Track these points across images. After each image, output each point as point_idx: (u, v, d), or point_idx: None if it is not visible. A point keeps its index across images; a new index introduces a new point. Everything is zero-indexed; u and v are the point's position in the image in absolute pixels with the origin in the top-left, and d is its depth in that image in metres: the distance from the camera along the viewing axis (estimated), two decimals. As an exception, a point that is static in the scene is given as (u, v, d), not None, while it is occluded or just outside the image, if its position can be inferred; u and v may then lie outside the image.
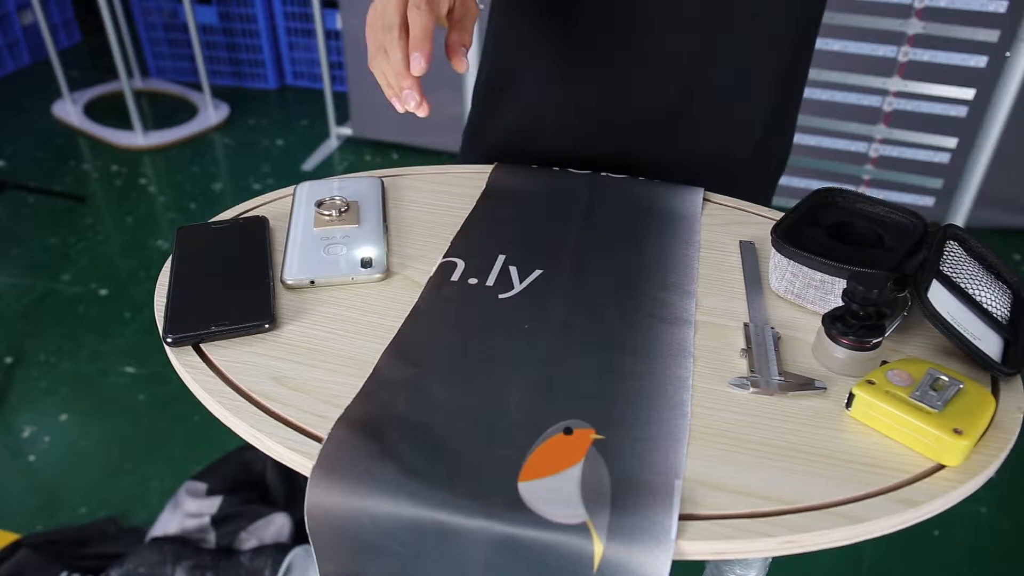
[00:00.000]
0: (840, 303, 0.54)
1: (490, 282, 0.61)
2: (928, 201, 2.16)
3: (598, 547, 0.42)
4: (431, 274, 0.63)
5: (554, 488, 0.45)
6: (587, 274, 0.63)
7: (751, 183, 0.83)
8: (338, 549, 0.45)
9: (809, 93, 2.03)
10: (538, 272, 0.63)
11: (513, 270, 0.63)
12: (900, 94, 1.99)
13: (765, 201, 0.85)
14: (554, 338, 0.56)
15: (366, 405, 0.50)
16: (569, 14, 0.74)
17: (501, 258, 0.64)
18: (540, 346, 0.55)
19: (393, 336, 0.56)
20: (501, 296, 0.60)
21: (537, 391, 0.51)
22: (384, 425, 0.48)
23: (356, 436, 0.47)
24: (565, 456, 0.47)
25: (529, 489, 0.44)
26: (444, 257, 0.64)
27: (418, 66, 0.56)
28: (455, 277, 0.62)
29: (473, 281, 0.61)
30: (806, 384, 0.53)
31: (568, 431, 0.48)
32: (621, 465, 0.46)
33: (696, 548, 0.43)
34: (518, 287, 0.61)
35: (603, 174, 0.76)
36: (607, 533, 0.42)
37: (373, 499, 0.44)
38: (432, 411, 0.50)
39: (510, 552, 0.43)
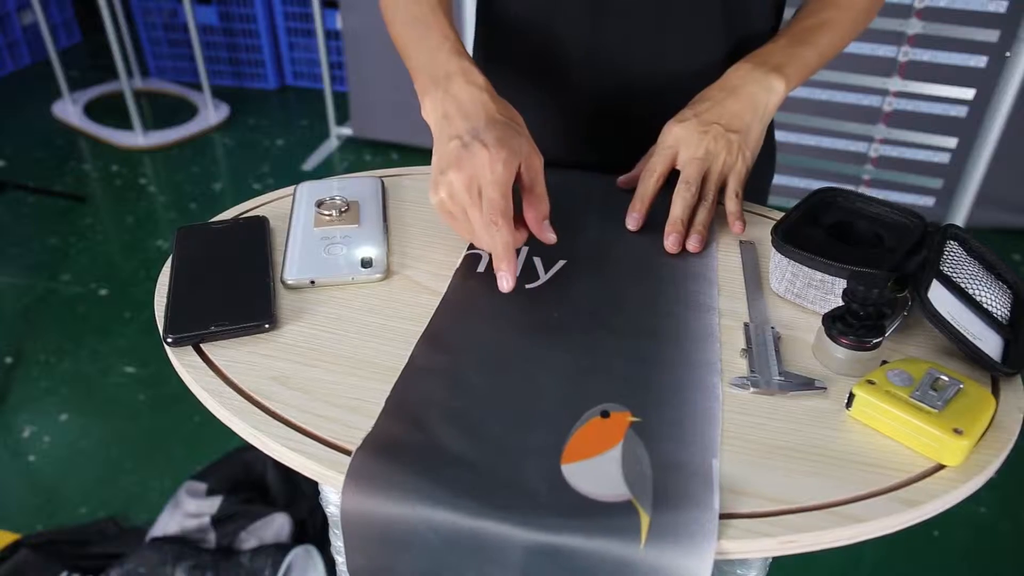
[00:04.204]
0: (840, 303, 0.54)
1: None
2: (928, 201, 2.16)
3: (644, 520, 0.43)
4: (456, 266, 0.63)
5: (596, 469, 0.46)
6: (610, 263, 0.64)
7: (749, 184, 0.84)
8: (368, 541, 0.46)
9: (809, 93, 2.03)
10: (562, 263, 0.64)
11: (537, 261, 0.64)
12: (900, 94, 1.99)
13: (762, 201, 0.85)
14: (583, 326, 0.57)
15: (404, 395, 0.51)
16: (561, 62, 0.76)
17: (524, 249, 0.65)
18: (570, 334, 0.57)
19: (424, 328, 0.57)
20: (528, 286, 0.61)
21: (570, 378, 0.53)
22: (423, 414, 0.49)
23: (397, 426, 0.48)
24: (604, 438, 0.48)
25: (572, 471, 0.46)
26: (468, 249, 0.65)
27: (506, 286, 0.59)
28: (481, 268, 0.63)
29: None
30: (806, 384, 0.53)
31: (605, 414, 0.50)
32: (659, 447, 0.47)
33: (696, 548, 0.43)
34: (544, 277, 0.62)
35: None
36: (652, 509, 0.43)
37: (414, 497, 0.44)
38: (470, 398, 0.51)
39: (554, 534, 0.43)
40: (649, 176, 0.68)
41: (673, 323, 0.58)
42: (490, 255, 0.64)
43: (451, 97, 0.60)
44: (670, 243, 0.66)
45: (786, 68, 0.69)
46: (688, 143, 0.67)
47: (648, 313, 0.59)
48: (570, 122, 0.80)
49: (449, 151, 0.58)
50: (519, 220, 0.61)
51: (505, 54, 0.80)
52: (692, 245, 0.66)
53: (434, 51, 0.64)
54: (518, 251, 0.64)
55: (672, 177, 0.69)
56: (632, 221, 0.68)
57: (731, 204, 0.68)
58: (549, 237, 0.62)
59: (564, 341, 0.56)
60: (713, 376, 0.53)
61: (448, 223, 0.60)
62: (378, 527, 0.45)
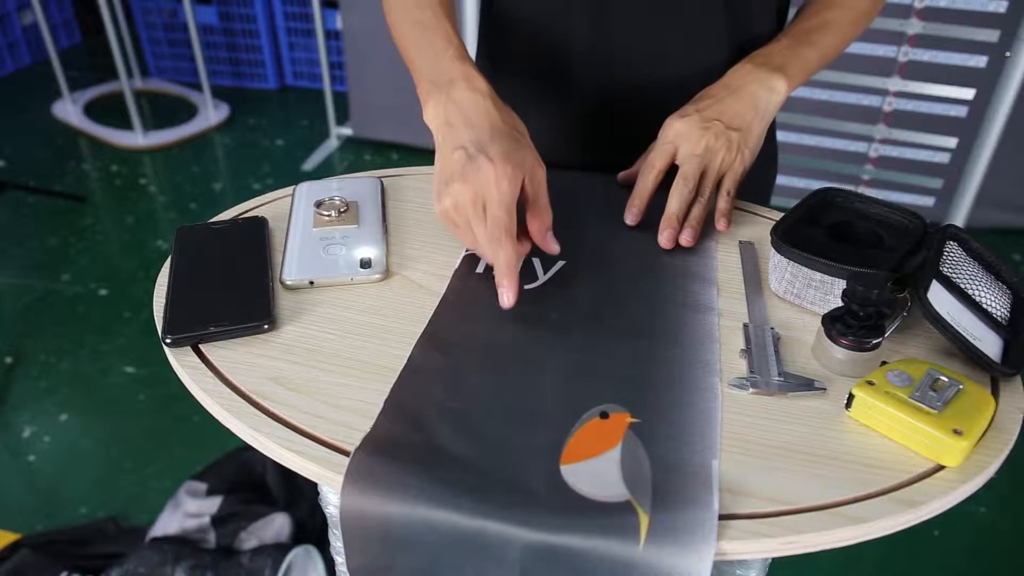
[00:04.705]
0: (840, 303, 0.54)
1: None
2: (928, 201, 2.16)
3: (643, 520, 0.43)
4: (456, 266, 0.63)
5: (595, 470, 0.46)
6: (609, 264, 0.64)
7: (751, 185, 0.84)
8: (368, 541, 0.46)
9: (809, 93, 2.03)
10: (561, 263, 0.64)
11: (536, 262, 0.64)
12: (900, 94, 1.99)
13: (764, 202, 0.85)
14: (582, 326, 0.57)
15: (403, 396, 0.51)
16: (564, 64, 0.76)
17: None
18: (569, 334, 0.57)
19: (423, 328, 0.57)
20: (527, 287, 0.61)
21: (570, 378, 0.53)
22: (421, 414, 0.49)
23: (396, 426, 0.48)
24: (603, 439, 0.48)
25: (571, 472, 0.46)
26: (467, 250, 0.65)
27: (507, 302, 0.57)
28: (480, 269, 0.63)
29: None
30: (806, 385, 0.52)
31: (604, 415, 0.50)
32: (658, 447, 0.47)
33: (695, 549, 0.43)
34: (543, 278, 0.62)
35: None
36: (651, 509, 0.43)
37: (413, 496, 0.44)
38: (469, 399, 0.51)
39: (554, 534, 0.43)
40: (648, 171, 0.68)
41: (672, 323, 0.58)
42: None
43: (453, 103, 0.60)
44: (664, 239, 0.65)
45: (788, 69, 0.69)
46: (688, 139, 0.67)
47: (647, 313, 0.59)
48: (573, 123, 0.80)
49: (453, 162, 0.57)
50: (522, 230, 0.60)
51: (508, 57, 0.80)
52: (685, 239, 0.66)
53: (437, 56, 0.63)
54: None
55: (670, 174, 0.69)
56: (631, 216, 0.68)
57: (721, 202, 0.68)
58: (553, 248, 0.61)
59: (563, 342, 0.56)
60: (712, 377, 0.53)
61: (451, 231, 0.60)
62: (377, 527, 0.45)
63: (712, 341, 0.56)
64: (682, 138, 0.67)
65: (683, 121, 0.67)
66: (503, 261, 0.56)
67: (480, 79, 0.61)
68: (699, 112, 0.67)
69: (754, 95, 0.68)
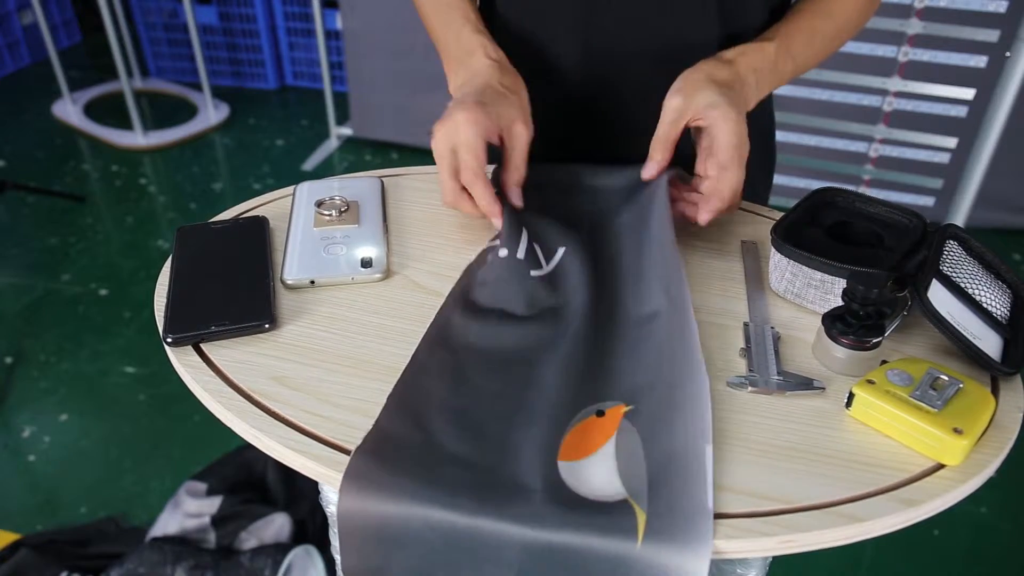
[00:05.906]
0: (840, 303, 0.54)
1: (520, 255, 0.62)
2: (928, 201, 2.16)
3: (641, 518, 0.43)
4: (463, 266, 0.63)
5: (592, 468, 0.46)
6: (605, 253, 0.64)
7: (748, 185, 0.84)
8: (364, 541, 0.46)
9: (809, 93, 2.03)
10: (561, 250, 0.64)
11: (537, 248, 0.64)
12: (900, 94, 1.99)
13: (763, 202, 0.85)
14: (583, 316, 0.58)
15: (405, 394, 0.51)
16: (556, 63, 0.77)
17: (525, 233, 0.64)
18: (567, 331, 0.57)
19: (425, 327, 0.57)
20: (533, 273, 0.61)
21: (569, 371, 0.53)
22: (423, 413, 0.50)
23: (397, 425, 0.48)
24: (599, 436, 0.48)
25: (568, 470, 0.46)
26: (491, 241, 0.65)
27: (499, 224, 0.63)
28: (486, 268, 0.63)
29: (504, 253, 0.62)
30: (804, 384, 0.53)
31: (600, 413, 0.50)
32: (652, 429, 0.48)
33: (696, 548, 0.43)
34: (546, 267, 0.62)
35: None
36: (648, 506, 0.43)
37: (411, 496, 0.44)
38: (470, 397, 0.51)
39: (551, 532, 0.43)
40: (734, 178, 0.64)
41: (665, 319, 0.57)
42: (508, 250, 0.63)
43: (470, 70, 0.67)
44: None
45: (751, 77, 0.68)
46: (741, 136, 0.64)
47: (644, 309, 0.58)
48: (565, 116, 0.79)
49: (447, 108, 0.63)
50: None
51: (505, 54, 0.80)
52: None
53: (457, 33, 0.70)
54: (520, 234, 0.64)
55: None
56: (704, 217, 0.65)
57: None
58: (515, 202, 0.65)
59: (562, 332, 0.56)
60: (702, 364, 0.52)
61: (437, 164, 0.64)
62: (374, 526, 0.45)
63: (693, 333, 0.54)
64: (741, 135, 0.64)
65: (736, 122, 0.64)
66: (479, 196, 0.62)
67: (494, 48, 0.68)
68: (732, 106, 0.64)
69: (744, 85, 0.68)
